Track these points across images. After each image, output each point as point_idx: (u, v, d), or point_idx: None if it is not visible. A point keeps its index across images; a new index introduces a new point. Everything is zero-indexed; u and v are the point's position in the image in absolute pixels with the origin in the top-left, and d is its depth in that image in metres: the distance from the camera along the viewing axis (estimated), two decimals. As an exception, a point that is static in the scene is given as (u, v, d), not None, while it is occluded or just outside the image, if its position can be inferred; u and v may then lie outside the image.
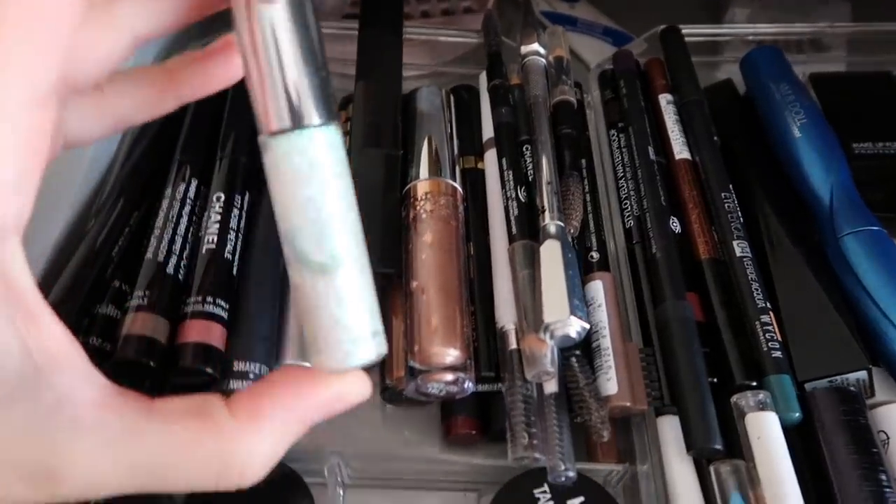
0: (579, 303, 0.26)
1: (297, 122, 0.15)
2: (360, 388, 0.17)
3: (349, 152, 0.34)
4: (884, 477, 0.24)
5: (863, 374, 0.27)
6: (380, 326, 0.16)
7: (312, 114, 0.15)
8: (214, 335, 0.27)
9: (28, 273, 0.14)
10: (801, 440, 0.26)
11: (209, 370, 0.26)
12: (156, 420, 0.15)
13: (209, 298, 0.27)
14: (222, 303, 0.27)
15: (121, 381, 0.26)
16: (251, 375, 0.27)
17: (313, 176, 0.15)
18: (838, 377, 0.27)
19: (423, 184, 0.32)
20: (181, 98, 0.20)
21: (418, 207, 0.31)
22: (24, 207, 0.14)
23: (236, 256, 0.29)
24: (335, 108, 0.16)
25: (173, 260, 0.28)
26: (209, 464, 0.15)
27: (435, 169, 0.32)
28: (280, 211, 0.15)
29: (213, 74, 0.19)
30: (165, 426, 0.15)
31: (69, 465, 0.14)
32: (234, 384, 0.27)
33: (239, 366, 0.27)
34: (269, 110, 0.15)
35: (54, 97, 0.15)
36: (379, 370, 0.30)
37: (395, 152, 0.33)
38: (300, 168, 0.15)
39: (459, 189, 0.32)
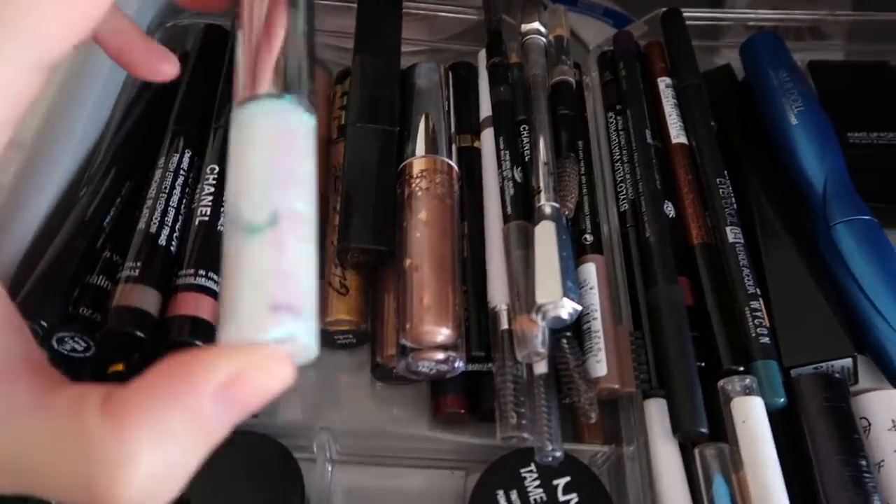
0: (572, 285, 0.26)
1: (265, 91, 0.15)
2: (274, 366, 0.13)
3: (344, 127, 0.33)
4: (863, 462, 0.25)
5: (847, 362, 0.28)
6: (311, 317, 0.14)
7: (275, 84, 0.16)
8: (205, 308, 0.27)
9: None
10: (785, 425, 0.26)
11: (199, 343, 0.26)
12: (39, 410, 0.13)
13: (201, 271, 0.27)
14: (214, 276, 0.27)
15: (111, 352, 0.26)
16: None
17: (263, 141, 0.15)
18: (824, 364, 0.28)
19: (418, 161, 0.32)
20: (112, 53, 0.21)
21: (413, 185, 0.31)
22: None
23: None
24: (308, 79, 0.16)
25: (165, 231, 0.28)
26: (74, 474, 0.12)
27: (431, 146, 0.32)
28: (229, 172, 0.15)
29: (145, 64, 0.22)
30: (42, 422, 0.12)
31: None
32: None
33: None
34: (246, 80, 0.16)
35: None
36: (370, 348, 0.31)
37: (391, 128, 0.32)
38: (253, 132, 0.15)
39: (455, 167, 0.32)
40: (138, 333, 0.25)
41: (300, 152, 0.15)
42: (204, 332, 0.26)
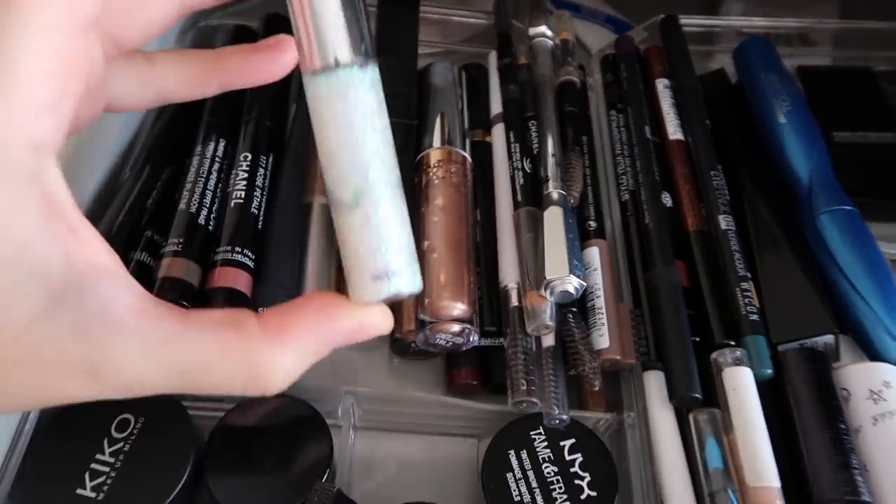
0: (578, 263, 0.29)
1: (337, 61, 0.15)
2: (381, 322, 0.18)
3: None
4: (843, 426, 0.27)
5: (830, 339, 0.30)
6: (409, 264, 0.16)
7: (350, 54, 0.15)
8: (241, 282, 0.29)
9: (66, 189, 0.15)
10: (773, 394, 0.29)
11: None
12: (191, 328, 0.16)
13: (237, 248, 0.29)
14: (249, 253, 0.30)
15: None
16: None
17: (340, 115, 0.15)
18: (808, 340, 0.30)
19: (435, 152, 0.34)
20: (224, 85, 0.21)
21: (430, 174, 0.33)
22: (60, 129, 0.15)
23: (261, 212, 0.31)
24: (372, 49, 0.17)
25: (204, 212, 0.30)
26: (237, 371, 0.16)
27: (447, 139, 0.35)
28: (318, 148, 0.16)
29: (258, 68, 0.21)
30: (199, 334, 0.16)
31: (113, 364, 0.15)
32: None
33: (263, 311, 0.29)
34: (312, 50, 0.16)
35: (93, 33, 0.16)
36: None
37: (410, 122, 0.35)
38: (330, 107, 0.15)
39: (469, 158, 0.35)
40: (183, 302, 0.27)
41: (376, 121, 0.16)
42: (241, 304, 0.28)
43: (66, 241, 0.15)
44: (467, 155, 0.35)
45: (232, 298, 0.28)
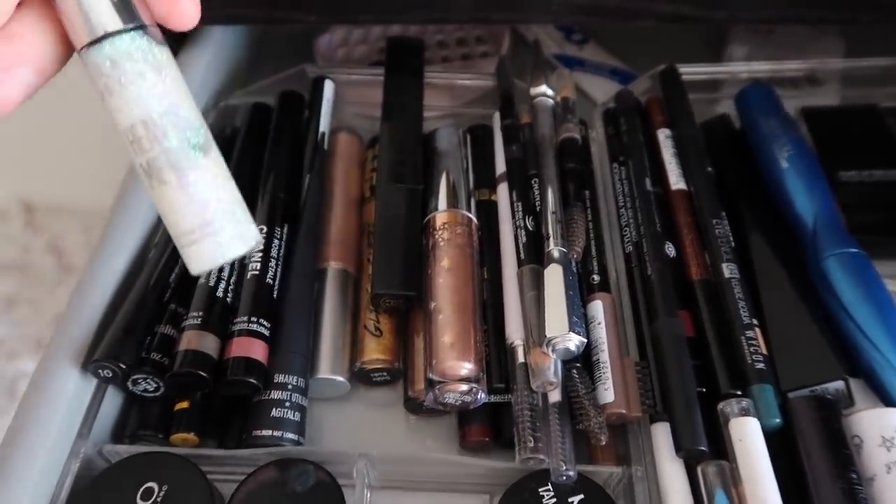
0: (578, 320, 0.29)
1: (103, 32, 0.17)
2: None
3: (374, 187, 0.38)
4: (854, 476, 0.27)
5: (840, 384, 0.30)
6: (232, 223, 0.18)
7: (114, 21, 0.17)
8: (258, 350, 0.30)
9: None
10: (783, 443, 0.29)
11: (253, 381, 0.30)
12: None
13: (253, 318, 0.31)
14: (265, 322, 0.31)
15: (177, 391, 0.30)
16: (289, 386, 0.31)
17: (117, 86, 0.17)
18: (818, 387, 0.30)
19: (441, 215, 0.35)
20: None
21: (437, 236, 0.35)
22: None
23: (276, 281, 0.33)
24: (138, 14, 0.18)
25: (223, 285, 0.32)
26: None
27: (452, 201, 0.36)
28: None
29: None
30: None
31: None
32: (275, 394, 0.30)
33: (279, 378, 0.31)
34: (77, 26, 0.17)
35: None
36: (402, 384, 0.34)
37: (416, 187, 0.36)
38: (109, 77, 0.17)
39: (474, 219, 0.36)
40: (201, 374, 0.29)
41: (162, 88, 0.17)
42: (257, 371, 0.30)
43: None
44: (472, 216, 0.36)
45: (249, 368, 0.30)
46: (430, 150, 0.39)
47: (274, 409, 0.30)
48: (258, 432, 0.29)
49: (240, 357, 0.30)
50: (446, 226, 0.35)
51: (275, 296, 0.32)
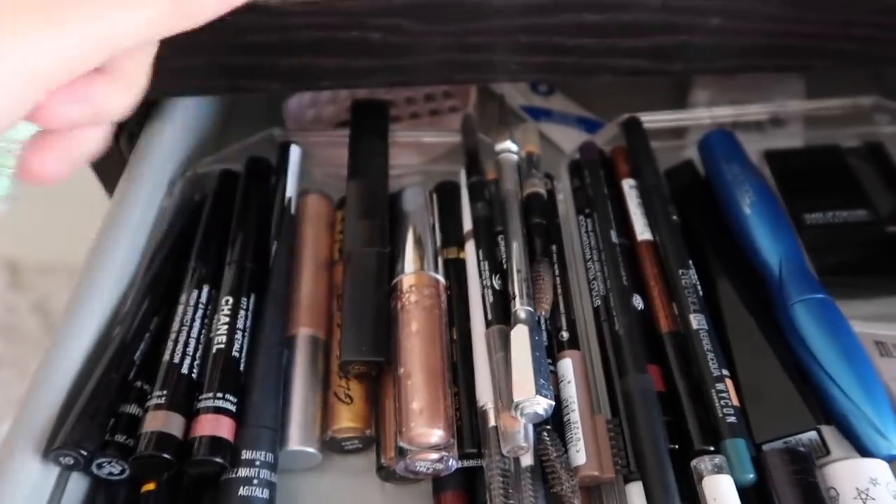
0: (545, 382, 0.29)
1: None
2: None
3: (342, 252, 0.38)
4: (830, 531, 0.26)
5: (813, 435, 0.30)
6: None
7: None
8: (224, 427, 0.30)
9: None
10: (757, 498, 0.28)
11: (219, 460, 0.29)
12: None
13: (219, 394, 0.31)
14: (231, 397, 0.31)
15: (143, 472, 0.29)
16: (257, 462, 0.30)
17: None
18: (791, 438, 0.30)
19: (408, 277, 0.35)
20: None
21: (404, 299, 0.35)
22: None
23: (243, 354, 0.33)
24: None
25: (188, 361, 0.32)
26: None
27: (419, 263, 0.36)
28: None
29: None
30: None
31: None
32: (243, 471, 0.30)
33: (246, 454, 0.30)
34: None
35: None
36: (375, 451, 0.34)
37: (384, 250, 0.37)
38: None
39: (442, 280, 0.36)
40: (165, 456, 0.29)
41: None
42: (223, 450, 0.30)
43: None
44: (440, 277, 0.36)
45: (215, 447, 0.29)
46: (396, 210, 0.39)
47: (242, 488, 0.29)
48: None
49: (205, 436, 0.29)
50: (413, 288, 0.35)
51: (241, 369, 0.32)
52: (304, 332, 0.35)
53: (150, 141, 0.41)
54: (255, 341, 0.33)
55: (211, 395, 0.31)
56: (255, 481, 0.29)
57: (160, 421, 0.29)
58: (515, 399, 0.29)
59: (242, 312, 0.34)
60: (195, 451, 0.29)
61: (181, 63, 0.38)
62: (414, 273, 0.36)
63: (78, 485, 0.30)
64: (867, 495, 0.27)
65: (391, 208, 0.39)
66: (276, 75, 0.39)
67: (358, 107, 0.43)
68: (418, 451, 0.30)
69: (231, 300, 0.34)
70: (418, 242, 0.37)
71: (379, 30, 0.36)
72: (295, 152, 0.41)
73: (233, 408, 0.31)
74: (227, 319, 0.33)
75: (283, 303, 0.36)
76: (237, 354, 0.32)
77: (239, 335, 0.33)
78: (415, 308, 0.34)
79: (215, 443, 0.29)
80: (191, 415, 0.30)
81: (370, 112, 0.43)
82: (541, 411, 0.29)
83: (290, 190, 0.40)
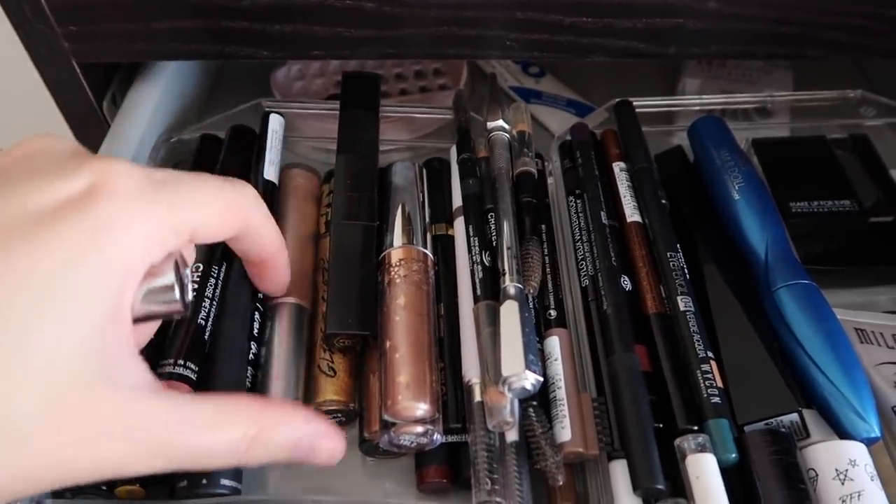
0: (534, 357, 0.29)
1: None
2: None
3: (328, 224, 0.37)
4: (810, 510, 0.27)
5: (794, 417, 0.30)
6: None
7: None
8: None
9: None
10: (739, 478, 0.29)
11: None
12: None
13: (180, 361, 0.30)
14: (192, 365, 0.30)
15: None
16: None
17: None
18: (773, 420, 0.30)
19: (396, 251, 0.35)
20: None
21: (392, 273, 0.34)
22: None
23: (209, 322, 0.32)
24: None
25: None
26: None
27: (408, 237, 0.36)
28: None
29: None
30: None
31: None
32: None
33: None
34: None
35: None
36: (358, 424, 0.33)
37: (371, 223, 0.36)
38: None
39: (430, 255, 0.36)
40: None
41: None
42: None
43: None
44: (428, 252, 0.36)
45: None
46: (385, 184, 0.39)
47: None
48: (201, 480, 0.28)
49: None
50: (402, 262, 0.35)
51: (206, 337, 0.31)
52: (288, 301, 0.35)
53: (134, 105, 0.40)
54: (222, 311, 0.33)
55: (171, 361, 0.30)
56: None
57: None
58: (504, 373, 0.28)
59: (212, 280, 0.33)
60: None
61: (171, 25, 0.37)
62: (402, 247, 0.35)
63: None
64: (846, 476, 0.28)
65: (380, 183, 0.39)
66: (266, 42, 0.38)
67: (349, 79, 0.42)
68: (403, 425, 0.30)
69: (202, 267, 0.33)
70: (407, 217, 0.37)
71: (374, -1, 0.35)
72: (276, 121, 0.40)
73: (193, 376, 0.30)
74: (196, 287, 0.32)
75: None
76: (202, 322, 0.31)
77: (207, 303, 0.32)
78: (403, 282, 0.34)
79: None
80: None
81: (361, 85, 0.42)
82: (528, 386, 0.28)
83: (271, 159, 0.39)
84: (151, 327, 0.26)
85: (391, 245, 0.35)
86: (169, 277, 0.23)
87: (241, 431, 0.21)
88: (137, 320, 0.22)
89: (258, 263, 0.27)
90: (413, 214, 0.37)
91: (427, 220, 0.38)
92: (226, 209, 0.24)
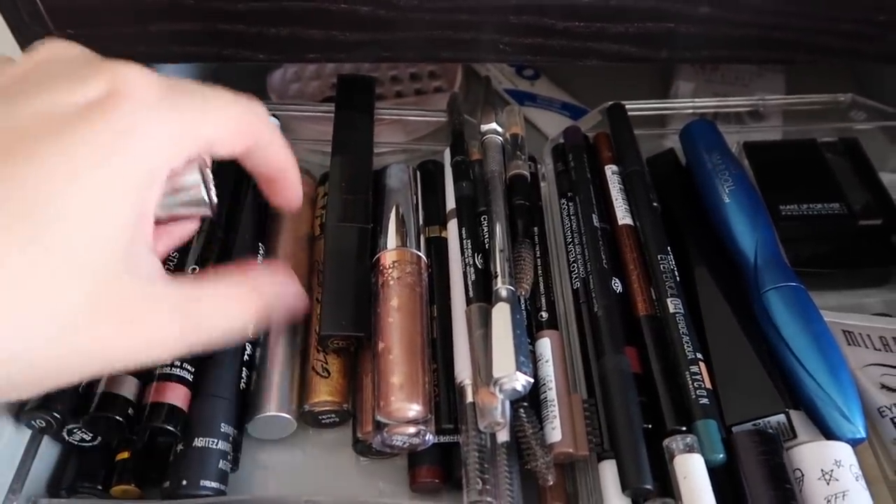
0: (525, 359, 0.29)
1: None
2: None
3: (323, 226, 0.37)
4: (795, 510, 0.27)
5: (781, 418, 0.30)
6: None
7: None
8: (179, 396, 0.30)
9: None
10: (727, 478, 0.29)
11: (171, 428, 0.29)
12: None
13: (177, 362, 0.30)
14: (188, 367, 0.31)
15: (95, 433, 0.29)
16: (213, 432, 0.30)
17: None
18: (761, 420, 0.30)
19: (390, 253, 0.35)
20: None
21: (386, 275, 0.35)
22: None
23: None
24: None
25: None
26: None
27: (402, 239, 0.36)
28: None
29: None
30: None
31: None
32: (199, 442, 0.30)
33: (201, 424, 0.30)
34: None
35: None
36: (351, 425, 0.34)
37: (365, 226, 0.36)
38: None
39: (424, 257, 0.36)
40: (117, 418, 0.28)
41: None
42: (175, 418, 0.30)
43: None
44: (422, 254, 0.36)
45: (167, 414, 0.29)
46: (380, 187, 0.39)
47: (197, 457, 0.29)
48: (181, 482, 0.29)
49: (159, 403, 0.29)
50: (396, 264, 0.35)
51: None
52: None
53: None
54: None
55: (168, 363, 0.30)
56: (210, 451, 0.30)
57: (114, 383, 0.29)
58: (495, 375, 0.29)
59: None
60: (149, 417, 0.29)
61: (168, 28, 0.37)
62: (396, 249, 0.36)
63: (49, 452, 0.30)
64: (831, 476, 0.28)
65: (375, 185, 0.39)
66: (263, 45, 0.38)
67: (344, 81, 0.43)
68: (395, 425, 0.30)
69: (197, 269, 0.33)
70: (401, 219, 0.37)
71: (368, 3, 0.36)
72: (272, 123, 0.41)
73: (189, 377, 0.31)
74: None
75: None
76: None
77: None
78: (396, 284, 0.34)
79: (170, 411, 0.29)
80: (147, 380, 0.30)
81: (356, 87, 0.43)
82: (519, 388, 0.29)
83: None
84: (179, 231, 0.27)
85: (385, 247, 0.36)
86: (194, 178, 0.23)
87: (244, 288, 0.24)
88: (161, 222, 0.23)
89: (269, 180, 0.28)
90: (407, 216, 0.37)
91: (421, 222, 0.38)
92: (239, 121, 0.24)
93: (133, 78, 0.21)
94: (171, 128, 0.21)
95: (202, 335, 0.22)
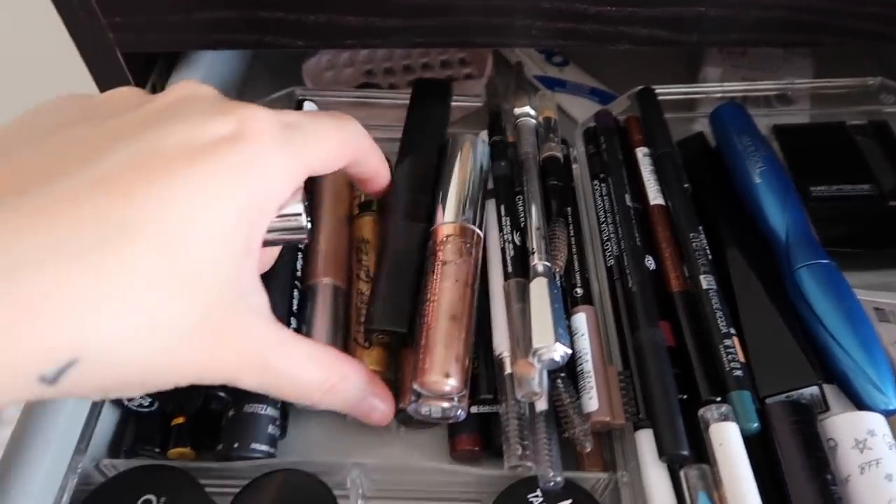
0: (563, 331, 0.30)
1: None
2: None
3: (365, 204, 0.38)
4: (829, 477, 0.28)
5: (814, 390, 0.31)
6: None
7: None
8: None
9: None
10: (761, 447, 0.30)
11: (223, 395, 0.31)
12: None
13: None
14: None
15: (152, 398, 0.31)
16: (263, 398, 0.31)
17: None
18: (794, 392, 0.31)
19: (446, 227, 0.35)
20: None
21: (441, 247, 0.35)
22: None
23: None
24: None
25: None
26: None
27: (458, 212, 0.36)
28: None
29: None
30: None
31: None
32: (249, 408, 0.31)
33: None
34: None
35: None
36: (394, 395, 0.35)
37: (428, 226, 0.36)
38: None
39: (479, 232, 0.36)
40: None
41: None
42: (219, 402, 0.31)
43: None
44: (476, 228, 0.36)
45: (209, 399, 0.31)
46: (446, 155, 0.39)
47: (247, 421, 0.31)
48: (233, 444, 0.30)
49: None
50: (450, 238, 0.35)
51: None
52: (325, 281, 0.36)
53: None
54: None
55: None
56: (261, 416, 0.31)
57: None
58: (534, 345, 0.30)
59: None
60: (190, 400, 0.31)
61: (211, 16, 0.39)
62: (452, 223, 0.36)
63: (110, 417, 0.31)
64: (864, 445, 0.29)
65: (442, 153, 0.39)
66: (301, 32, 0.39)
67: (419, 85, 0.43)
68: (430, 397, 0.31)
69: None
70: (462, 193, 0.37)
71: (404, -11, 0.37)
72: (310, 108, 0.42)
73: None
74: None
75: (304, 252, 0.37)
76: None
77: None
78: (448, 257, 0.34)
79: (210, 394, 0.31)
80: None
81: (432, 92, 0.42)
82: (557, 358, 0.30)
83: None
84: (273, 254, 0.29)
85: (442, 220, 0.36)
86: (297, 207, 0.25)
87: (325, 375, 0.26)
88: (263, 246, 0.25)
89: (365, 181, 0.32)
90: (468, 191, 0.37)
91: (481, 198, 0.38)
92: (340, 146, 0.27)
93: (258, 116, 0.23)
94: (285, 163, 0.23)
95: (274, 385, 0.24)
